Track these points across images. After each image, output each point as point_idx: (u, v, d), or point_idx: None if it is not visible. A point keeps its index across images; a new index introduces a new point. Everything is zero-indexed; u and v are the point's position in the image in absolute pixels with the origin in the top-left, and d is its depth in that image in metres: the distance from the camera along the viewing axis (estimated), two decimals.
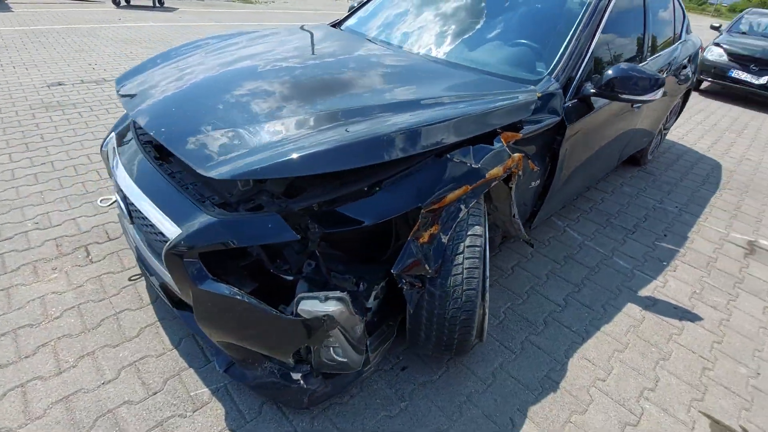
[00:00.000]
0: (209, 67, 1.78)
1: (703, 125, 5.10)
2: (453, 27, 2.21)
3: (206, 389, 1.45)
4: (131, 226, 1.55)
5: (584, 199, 3.00)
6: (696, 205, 3.09)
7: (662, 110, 3.12)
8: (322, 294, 1.15)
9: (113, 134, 1.75)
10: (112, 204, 1.98)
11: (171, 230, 1.23)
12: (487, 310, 1.42)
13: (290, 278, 1.36)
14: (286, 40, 2.19)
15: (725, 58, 6.27)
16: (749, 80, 6.03)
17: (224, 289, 1.18)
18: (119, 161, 1.53)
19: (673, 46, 3.01)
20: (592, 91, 1.86)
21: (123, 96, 1.65)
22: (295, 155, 1.16)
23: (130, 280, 1.88)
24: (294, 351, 1.24)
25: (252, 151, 1.23)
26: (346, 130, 1.28)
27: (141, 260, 1.55)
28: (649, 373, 1.69)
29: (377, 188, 1.28)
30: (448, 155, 1.35)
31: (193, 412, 1.37)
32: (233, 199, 1.32)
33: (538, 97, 1.66)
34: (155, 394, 1.42)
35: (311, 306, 1.14)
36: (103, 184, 2.55)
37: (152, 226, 1.32)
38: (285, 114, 1.40)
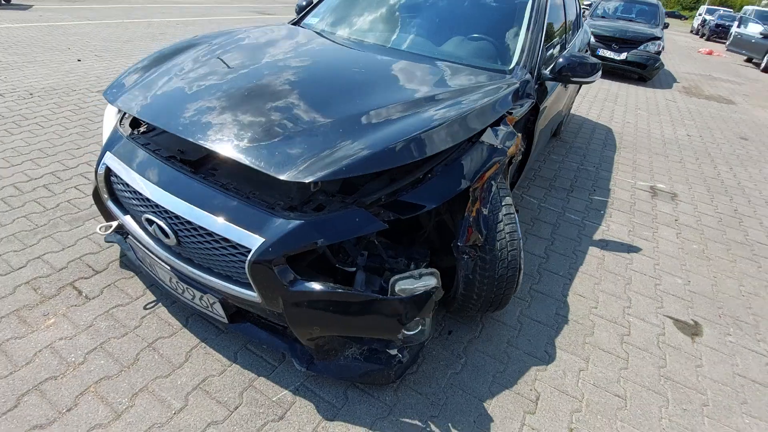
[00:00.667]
0: (228, 72, 1.74)
1: (588, 98, 6.13)
2: (421, 24, 2.41)
3: (286, 391, 1.47)
4: (160, 249, 1.47)
5: (528, 169, 3.49)
6: (606, 164, 3.81)
7: (574, 88, 3.76)
8: (416, 272, 1.28)
9: (109, 154, 1.59)
10: (111, 232, 1.74)
11: (251, 240, 1.24)
12: (522, 266, 1.69)
13: (353, 269, 1.45)
14: (274, 42, 2.16)
15: (592, 39, 7.56)
16: (612, 57, 7.38)
17: (321, 286, 1.24)
18: (146, 180, 1.43)
19: (578, 34, 3.63)
20: (549, 76, 2.23)
21: (138, 110, 1.52)
22: (371, 152, 1.26)
23: (146, 308, 1.74)
24: (404, 328, 1.32)
25: (320, 153, 1.29)
26: (400, 125, 1.40)
27: (183, 281, 1.47)
28: (622, 295, 2.15)
29: (429, 175, 1.43)
30: (480, 139, 1.56)
31: (285, 414, 1.40)
32: (295, 202, 1.36)
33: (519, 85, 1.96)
34: (237, 408, 1.40)
35: (408, 284, 1.27)
36: (54, 215, 2.23)
37: (219, 241, 1.30)
38: (330, 114, 1.47)
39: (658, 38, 7.37)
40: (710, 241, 2.75)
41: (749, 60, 12.57)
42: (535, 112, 2.14)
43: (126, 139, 1.61)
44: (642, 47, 7.30)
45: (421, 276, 1.28)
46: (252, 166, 1.24)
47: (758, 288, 2.35)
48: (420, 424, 1.42)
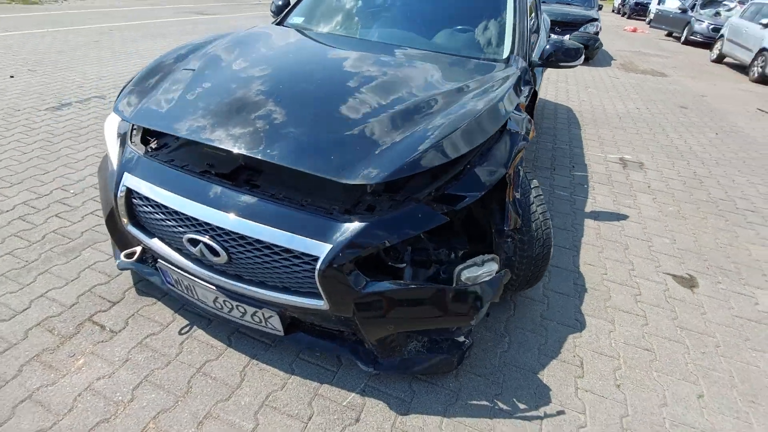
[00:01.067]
0: (246, 80, 1.68)
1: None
2: (412, 17, 2.44)
3: (353, 394, 1.48)
4: (203, 269, 1.41)
5: None
6: (576, 141, 4.08)
7: (542, 72, 3.96)
8: (478, 259, 1.33)
9: (129, 175, 1.48)
10: (134, 259, 1.60)
11: (319, 248, 1.22)
12: (553, 242, 1.79)
13: (402, 265, 1.48)
14: (279, 45, 2.11)
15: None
16: None
17: (395, 285, 1.25)
18: (185, 198, 1.35)
19: (542, 17, 3.83)
20: (539, 62, 2.35)
21: (168, 126, 1.43)
22: (427, 148, 1.29)
23: (181, 333, 1.66)
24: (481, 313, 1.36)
25: (374, 153, 1.30)
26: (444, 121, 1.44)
27: (232, 299, 1.42)
28: (625, 260, 2.34)
29: (468, 166, 1.48)
30: (507, 127, 1.63)
31: (359, 416, 1.40)
32: (348, 205, 1.35)
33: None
34: (311, 418, 1.38)
35: (473, 272, 1.32)
36: (43, 248, 2.03)
37: (279, 253, 1.27)
38: (367, 114, 1.47)
39: (596, 19, 7.90)
40: (682, 202, 3.06)
41: (669, 34, 13.81)
42: (533, 97, 2.25)
43: (144, 157, 1.51)
44: (582, 29, 7.78)
45: (483, 263, 1.33)
46: (313, 173, 1.22)
47: (730, 239, 2.65)
48: (488, 403, 1.48)
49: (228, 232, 1.30)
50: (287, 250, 1.26)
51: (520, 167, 1.63)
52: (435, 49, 2.22)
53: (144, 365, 1.52)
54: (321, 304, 1.30)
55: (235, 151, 1.30)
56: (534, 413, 1.47)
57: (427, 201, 1.36)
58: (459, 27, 2.39)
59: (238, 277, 1.39)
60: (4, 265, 1.92)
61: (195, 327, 1.69)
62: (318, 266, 1.22)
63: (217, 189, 1.36)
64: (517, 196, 1.57)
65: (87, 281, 1.87)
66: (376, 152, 1.30)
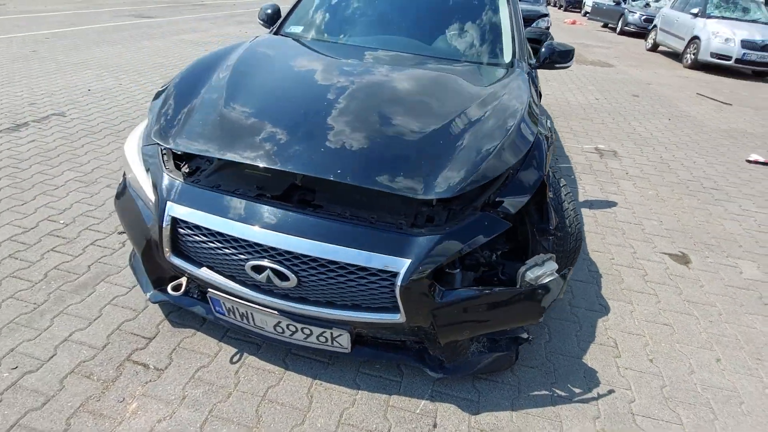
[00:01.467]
0: (289, 96, 1.68)
1: None
2: (416, 23, 2.48)
3: (424, 400, 1.51)
4: (263, 296, 1.38)
5: None
6: (553, 133, 4.32)
7: None
8: (538, 259, 1.41)
9: (173, 204, 1.41)
10: (181, 292, 1.51)
11: (397, 263, 1.24)
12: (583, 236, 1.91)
13: (456, 271, 1.53)
14: (300, 58, 2.10)
15: None
16: None
17: (471, 291, 1.30)
18: (247, 224, 1.31)
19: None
20: (537, 65, 2.48)
21: (222, 152, 1.38)
22: (492, 157, 1.35)
23: (233, 362, 1.60)
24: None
25: (438, 167, 1.34)
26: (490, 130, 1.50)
27: (297, 321, 1.40)
28: (625, 244, 2.55)
29: (512, 171, 1.56)
30: (540, 131, 1.72)
31: (436, 421, 1.44)
32: (411, 219, 1.38)
33: None
34: (390, 430, 1.40)
35: (534, 272, 1.39)
36: (50, 287, 1.87)
37: (354, 272, 1.27)
38: (419, 128, 1.50)
39: (546, 15, 8.35)
40: (658, 185, 3.36)
41: (605, 25, 14.86)
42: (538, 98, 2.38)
43: (189, 185, 1.44)
44: (534, 24, 8.19)
45: (543, 262, 1.42)
46: (388, 191, 1.24)
47: (706, 216, 2.96)
48: (547, 392, 1.58)
49: (297, 256, 1.28)
50: (363, 269, 1.26)
51: (549, 168, 1.73)
52: (444, 56, 2.28)
53: (204, 400, 1.46)
54: (397, 317, 1.32)
55: (303, 173, 1.29)
56: (589, 395, 1.58)
57: (485, 208, 1.42)
58: (460, 33, 2.47)
59: (304, 300, 1.38)
60: (10, 311, 1.75)
61: (245, 354, 1.64)
62: (399, 282, 1.24)
63: (278, 212, 1.33)
64: (551, 195, 1.68)
65: (112, 318, 1.74)
66: (441, 166, 1.34)
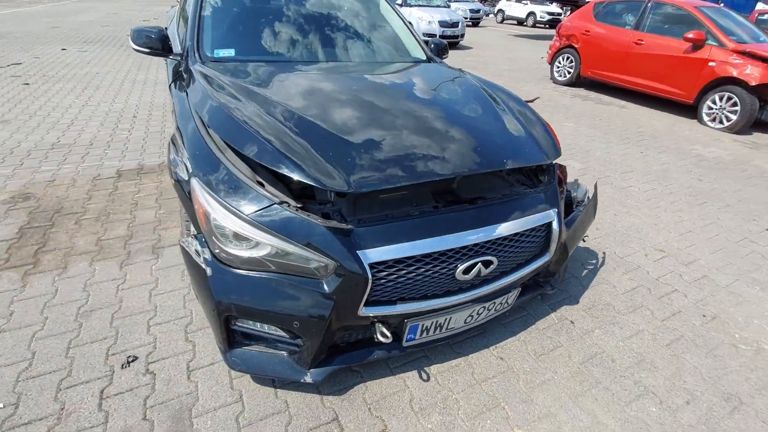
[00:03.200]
0: (359, 118, 1.68)
1: None
2: (329, 33, 2.60)
3: (552, 314, 2.00)
4: (458, 296, 1.52)
5: None
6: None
7: None
8: (572, 185, 2.06)
9: (368, 252, 1.31)
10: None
11: (549, 215, 1.64)
12: None
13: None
14: (311, 85, 1.99)
15: None
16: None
17: (576, 214, 1.85)
18: (439, 237, 1.38)
19: None
20: (438, 58, 3.08)
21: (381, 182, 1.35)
22: (536, 126, 1.87)
23: (423, 379, 1.64)
24: None
25: (525, 143, 1.77)
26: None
27: (487, 301, 1.58)
28: None
29: None
30: None
31: (572, 320, 1.97)
32: (535, 182, 1.79)
33: None
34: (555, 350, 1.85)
35: (581, 192, 2.05)
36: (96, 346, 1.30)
37: (527, 234, 1.59)
38: (472, 119, 1.85)
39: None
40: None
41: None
42: None
43: (359, 227, 1.35)
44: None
45: (578, 186, 2.09)
46: (519, 166, 1.59)
47: None
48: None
49: (494, 241, 1.50)
50: (536, 228, 1.61)
51: None
52: (372, 59, 2.56)
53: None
54: (547, 258, 1.72)
55: (456, 174, 1.45)
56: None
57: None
58: (371, 37, 2.77)
59: (487, 282, 1.60)
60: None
61: (424, 369, 1.69)
62: (554, 227, 1.65)
63: (462, 214, 1.47)
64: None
65: (191, 385, 1.42)
66: (519, 140, 1.76)
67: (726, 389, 1.67)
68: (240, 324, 1.41)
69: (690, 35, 5.17)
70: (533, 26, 18.64)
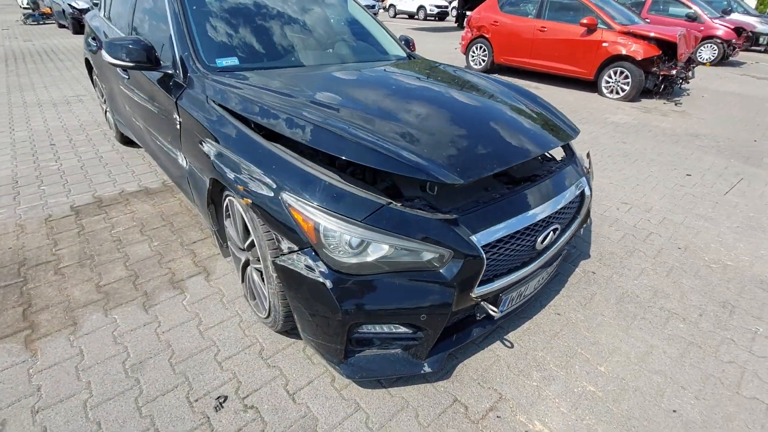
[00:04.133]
0: (405, 116, 1.71)
1: None
2: (316, 37, 2.57)
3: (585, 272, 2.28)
4: (532, 265, 1.68)
5: None
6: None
7: None
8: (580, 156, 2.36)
9: (477, 235, 1.40)
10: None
11: (583, 181, 1.89)
12: None
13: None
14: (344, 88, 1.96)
15: None
16: None
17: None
18: (523, 213, 1.54)
19: None
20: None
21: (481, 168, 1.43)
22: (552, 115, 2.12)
23: (506, 346, 1.78)
24: None
25: (546, 128, 1.99)
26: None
27: (548, 266, 1.78)
28: None
29: None
30: None
31: (594, 270, 2.27)
32: (564, 156, 2.02)
33: None
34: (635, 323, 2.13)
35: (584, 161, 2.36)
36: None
37: (574, 201, 1.82)
38: (499, 110, 2.01)
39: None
40: None
41: None
42: None
43: (465, 214, 1.43)
44: None
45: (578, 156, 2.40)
46: (561, 145, 1.80)
47: None
48: None
49: (558, 211, 1.69)
50: (578, 196, 1.84)
51: None
52: (367, 59, 2.59)
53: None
54: (580, 219, 1.98)
55: (520, 161, 1.59)
56: None
57: None
58: (353, 38, 2.79)
59: (547, 248, 1.79)
60: None
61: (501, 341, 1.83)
62: (586, 192, 1.90)
63: (524, 194, 1.61)
64: None
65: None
66: (540, 123, 1.97)
67: (719, 299, 2.11)
68: (360, 330, 1.40)
69: (584, 21, 6.03)
70: (424, 19, 19.56)
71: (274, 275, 1.48)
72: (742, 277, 2.28)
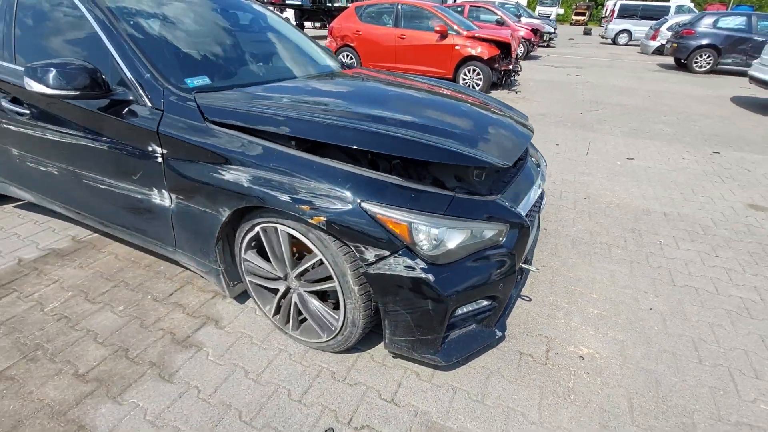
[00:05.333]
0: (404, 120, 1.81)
1: None
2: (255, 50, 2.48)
3: None
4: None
5: None
6: None
7: None
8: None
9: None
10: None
11: (544, 163, 2.34)
12: None
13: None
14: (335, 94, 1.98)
15: None
16: None
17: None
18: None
19: None
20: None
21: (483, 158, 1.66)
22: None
23: (524, 299, 2.10)
24: None
25: (516, 125, 2.39)
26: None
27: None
28: None
29: None
30: None
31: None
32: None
33: None
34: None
35: None
36: None
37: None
38: (479, 112, 2.32)
39: None
40: None
41: None
42: None
43: (499, 195, 1.66)
44: None
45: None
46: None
47: None
48: None
49: (540, 196, 2.07)
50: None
51: None
52: (306, 73, 2.60)
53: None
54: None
55: (528, 143, 1.96)
56: None
57: None
58: (289, 51, 2.75)
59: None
60: None
61: None
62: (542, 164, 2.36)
63: (525, 172, 1.95)
64: None
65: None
66: (517, 124, 2.36)
67: (628, 227, 2.86)
68: (455, 315, 1.51)
69: (437, 28, 6.95)
70: None
71: (357, 288, 1.46)
72: (631, 210, 3.11)
